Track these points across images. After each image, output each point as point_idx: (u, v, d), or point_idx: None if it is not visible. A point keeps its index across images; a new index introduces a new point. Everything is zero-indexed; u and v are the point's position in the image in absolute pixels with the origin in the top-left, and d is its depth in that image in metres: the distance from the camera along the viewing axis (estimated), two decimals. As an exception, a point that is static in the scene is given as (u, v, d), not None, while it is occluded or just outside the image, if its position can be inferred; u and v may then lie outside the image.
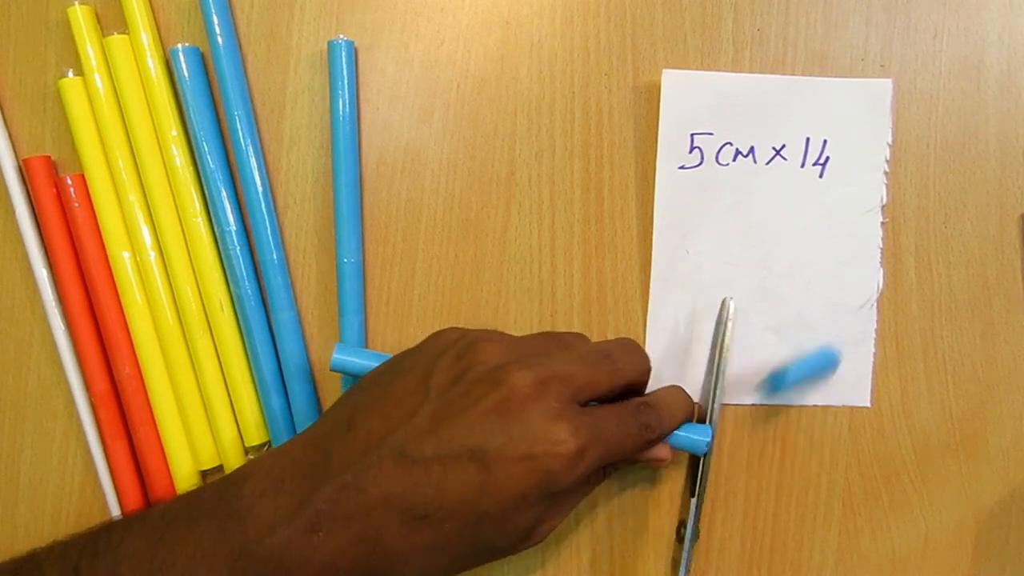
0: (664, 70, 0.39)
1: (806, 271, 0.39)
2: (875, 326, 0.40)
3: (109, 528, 0.33)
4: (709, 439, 0.36)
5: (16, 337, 0.40)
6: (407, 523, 0.30)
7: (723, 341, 0.38)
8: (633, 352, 0.35)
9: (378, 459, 0.30)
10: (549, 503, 0.31)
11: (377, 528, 0.30)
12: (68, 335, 0.39)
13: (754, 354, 0.39)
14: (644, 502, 0.40)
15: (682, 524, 0.39)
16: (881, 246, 0.39)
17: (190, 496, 0.33)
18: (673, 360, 0.39)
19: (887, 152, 0.39)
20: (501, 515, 0.30)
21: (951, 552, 0.40)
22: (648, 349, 0.39)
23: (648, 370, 0.35)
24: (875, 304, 0.39)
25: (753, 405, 0.40)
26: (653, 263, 0.40)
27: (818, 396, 0.40)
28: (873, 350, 0.40)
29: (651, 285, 0.39)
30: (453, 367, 0.32)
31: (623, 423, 0.33)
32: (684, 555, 0.38)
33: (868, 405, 0.40)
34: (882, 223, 0.39)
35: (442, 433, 0.30)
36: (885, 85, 0.39)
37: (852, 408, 0.40)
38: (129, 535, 0.32)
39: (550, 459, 0.30)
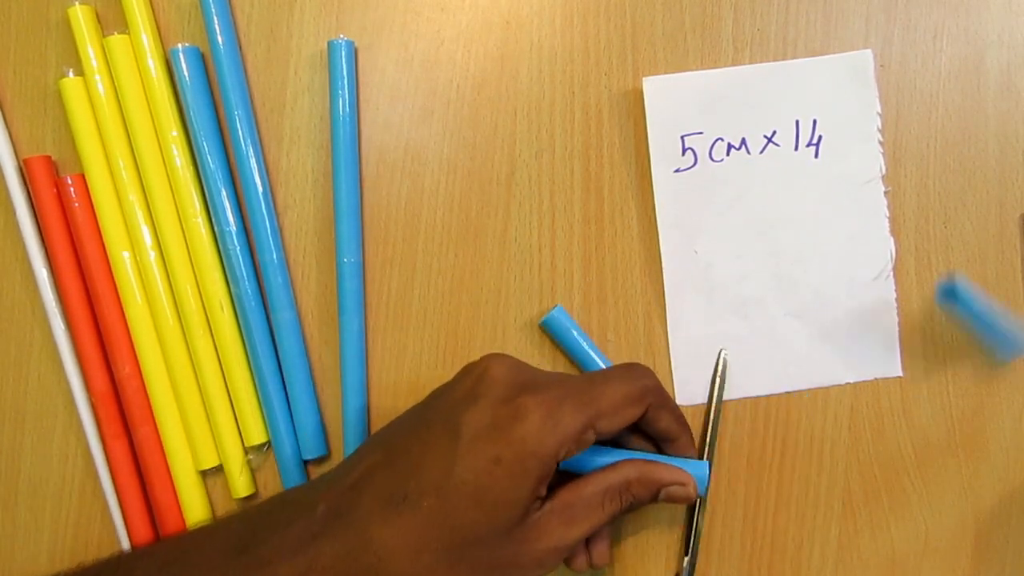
0: (644, 78, 0.39)
1: (816, 252, 0.40)
2: (895, 295, 0.39)
3: (119, 559, 0.34)
4: (707, 473, 0.36)
5: (16, 337, 0.40)
6: (388, 507, 0.30)
7: (717, 393, 0.39)
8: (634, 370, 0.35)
9: (371, 458, 0.32)
10: (536, 480, 0.30)
11: (364, 522, 0.30)
12: (68, 335, 0.39)
13: (778, 342, 0.40)
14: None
15: None
16: (888, 215, 0.39)
17: (207, 528, 0.35)
18: (700, 362, 0.40)
19: (878, 122, 0.40)
20: (476, 485, 0.30)
21: (951, 552, 0.40)
22: (673, 355, 0.39)
23: (649, 390, 0.34)
24: (891, 274, 0.39)
25: (758, 401, 0.40)
26: (664, 268, 0.40)
27: (848, 372, 0.40)
28: (897, 319, 0.40)
29: (665, 290, 0.39)
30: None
31: (603, 385, 0.33)
32: None
33: (900, 374, 0.40)
34: (885, 192, 0.39)
35: (423, 418, 0.32)
36: (865, 56, 0.39)
37: (852, 408, 0.40)
38: (139, 565, 0.33)
39: (519, 420, 0.30)
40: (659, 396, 0.34)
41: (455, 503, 0.30)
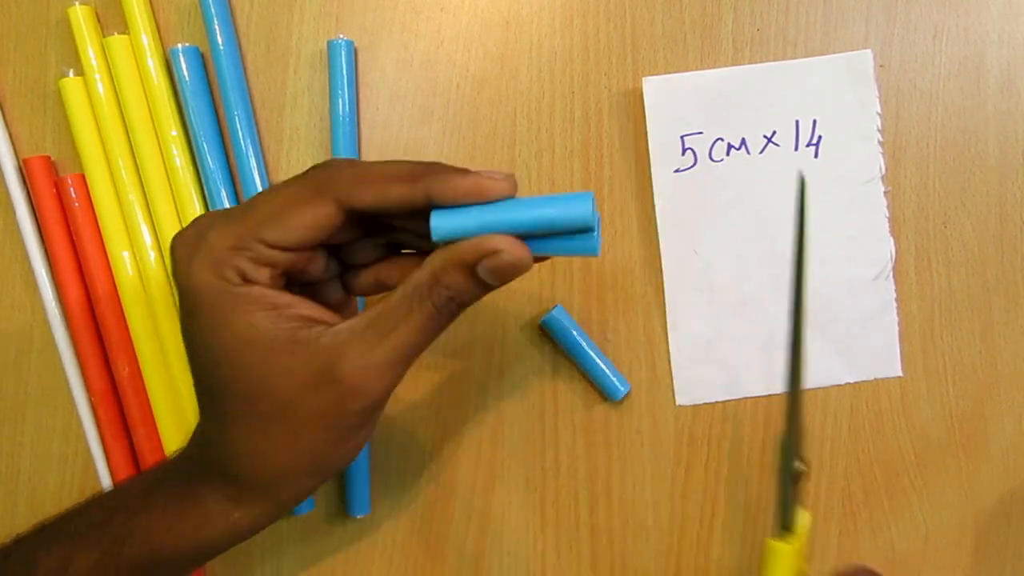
0: (644, 78, 0.39)
1: (816, 252, 0.39)
2: (894, 295, 0.40)
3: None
4: (590, 207, 0.27)
5: (16, 337, 0.40)
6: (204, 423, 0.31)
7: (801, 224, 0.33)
8: None
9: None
10: (229, 310, 0.28)
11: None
12: (68, 335, 0.39)
13: (778, 342, 0.39)
14: (644, 500, 0.40)
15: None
16: (888, 215, 0.39)
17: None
18: (700, 362, 0.40)
19: (878, 122, 0.40)
20: (201, 345, 0.29)
21: (951, 552, 0.40)
22: (673, 355, 0.39)
23: (327, 182, 0.28)
24: (891, 274, 0.39)
25: (758, 401, 0.40)
26: (663, 268, 0.40)
27: (848, 372, 0.40)
28: (896, 319, 0.40)
29: (665, 291, 0.39)
30: None
31: (264, 195, 0.29)
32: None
33: (900, 375, 0.40)
34: (885, 192, 0.39)
35: None
36: (865, 56, 0.39)
37: (852, 408, 0.40)
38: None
39: (174, 262, 0.29)
40: (348, 184, 0.28)
41: (216, 378, 0.29)
